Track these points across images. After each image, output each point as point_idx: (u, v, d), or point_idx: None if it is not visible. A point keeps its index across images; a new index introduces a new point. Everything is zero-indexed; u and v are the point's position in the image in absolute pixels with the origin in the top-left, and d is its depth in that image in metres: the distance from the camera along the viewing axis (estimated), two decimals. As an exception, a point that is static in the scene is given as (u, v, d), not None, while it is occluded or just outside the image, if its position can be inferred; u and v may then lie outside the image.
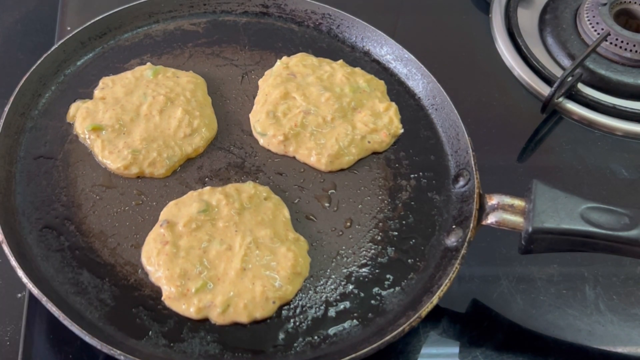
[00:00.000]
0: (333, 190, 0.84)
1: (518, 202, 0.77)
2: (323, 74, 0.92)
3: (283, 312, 0.74)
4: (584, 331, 0.82)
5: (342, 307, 0.75)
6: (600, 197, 0.81)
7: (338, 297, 0.76)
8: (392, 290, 0.77)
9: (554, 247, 0.76)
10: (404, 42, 0.95)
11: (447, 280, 0.74)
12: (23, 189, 0.80)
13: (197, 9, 0.99)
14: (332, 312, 0.75)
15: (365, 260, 0.79)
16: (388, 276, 0.78)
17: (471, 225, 0.77)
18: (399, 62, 0.96)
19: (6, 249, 0.72)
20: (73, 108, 0.86)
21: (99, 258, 0.76)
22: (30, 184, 0.80)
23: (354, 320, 0.74)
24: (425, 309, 0.72)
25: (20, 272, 0.71)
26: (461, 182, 0.84)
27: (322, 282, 0.77)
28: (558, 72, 1.03)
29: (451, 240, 0.80)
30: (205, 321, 0.72)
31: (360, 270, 0.78)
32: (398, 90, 0.94)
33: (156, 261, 0.74)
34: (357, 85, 0.91)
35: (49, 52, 0.89)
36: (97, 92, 0.88)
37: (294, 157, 0.86)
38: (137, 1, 0.96)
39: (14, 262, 0.71)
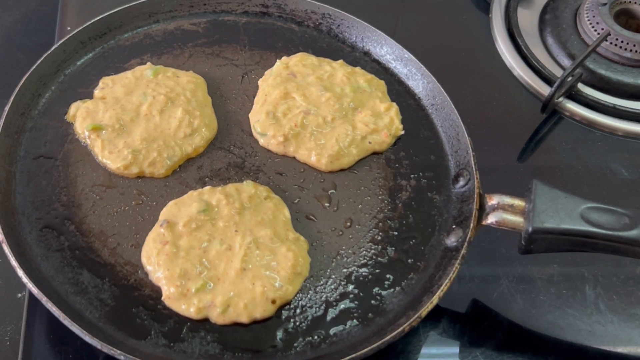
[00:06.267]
0: (333, 190, 0.84)
1: (518, 202, 0.77)
2: (323, 74, 0.92)
3: (283, 312, 0.74)
4: (584, 331, 0.82)
5: (342, 307, 0.75)
6: (600, 197, 0.81)
7: (338, 297, 0.76)
8: (392, 290, 0.77)
9: (554, 247, 0.76)
10: (404, 42, 0.95)
11: (447, 280, 0.74)
12: (23, 188, 0.80)
13: (197, 8, 0.99)
14: (332, 312, 0.75)
15: (365, 260, 0.79)
16: (388, 276, 0.78)
17: (471, 225, 0.77)
18: (399, 62, 0.96)
19: (6, 248, 0.72)
20: (73, 108, 0.86)
21: (99, 258, 0.76)
22: (30, 183, 0.80)
23: (354, 320, 0.74)
24: (425, 309, 0.72)
25: (20, 272, 0.71)
26: (461, 182, 0.84)
27: (322, 282, 0.77)
28: (558, 72, 1.03)
29: (451, 240, 0.80)
30: (205, 321, 0.72)
31: (360, 270, 0.78)
32: (398, 90, 0.94)
33: (156, 261, 0.74)
34: (358, 85, 0.91)
35: (49, 52, 0.89)
36: (97, 92, 0.88)
37: (294, 157, 0.86)
38: (137, 1, 0.96)
39: (14, 262, 0.71)
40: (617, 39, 1.03)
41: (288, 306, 0.74)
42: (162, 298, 0.73)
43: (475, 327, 0.82)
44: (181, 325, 0.72)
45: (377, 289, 0.77)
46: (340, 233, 0.81)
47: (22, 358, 0.75)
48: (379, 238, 0.81)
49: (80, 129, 0.84)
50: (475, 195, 0.79)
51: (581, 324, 0.82)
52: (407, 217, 0.83)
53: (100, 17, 0.93)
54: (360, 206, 0.83)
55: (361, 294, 0.76)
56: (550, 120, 1.02)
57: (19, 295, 0.80)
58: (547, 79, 1.03)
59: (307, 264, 0.77)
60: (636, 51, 1.03)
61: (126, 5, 0.95)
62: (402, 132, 0.89)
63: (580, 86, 1.02)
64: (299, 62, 0.93)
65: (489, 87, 1.05)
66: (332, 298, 0.76)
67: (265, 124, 0.86)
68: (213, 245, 0.75)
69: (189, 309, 0.72)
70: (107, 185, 0.81)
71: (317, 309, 0.75)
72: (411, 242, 0.81)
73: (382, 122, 0.88)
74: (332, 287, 0.77)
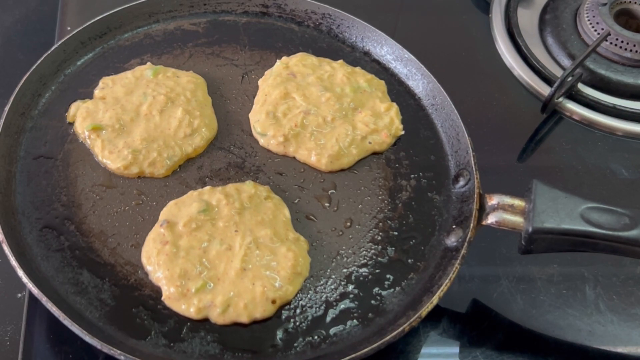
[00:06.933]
0: (333, 190, 0.84)
1: (518, 202, 0.77)
2: (323, 74, 0.92)
3: (283, 312, 0.74)
4: (584, 331, 0.82)
5: (342, 307, 0.75)
6: (600, 197, 0.81)
7: (338, 297, 0.76)
8: (392, 290, 0.77)
9: (554, 247, 0.76)
10: (404, 42, 0.95)
11: (447, 280, 0.74)
12: (23, 188, 0.80)
13: (197, 8, 0.99)
14: (332, 312, 0.75)
15: (365, 260, 0.79)
16: (388, 276, 0.78)
17: (471, 225, 0.77)
18: (399, 62, 0.96)
19: (6, 248, 0.72)
20: (73, 108, 0.86)
21: (99, 258, 0.76)
22: (30, 183, 0.80)
23: (354, 320, 0.74)
24: (425, 309, 0.72)
25: (20, 272, 0.71)
26: (461, 182, 0.84)
27: (322, 282, 0.77)
28: (558, 72, 1.03)
29: (451, 240, 0.80)
30: (205, 321, 0.72)
31: (360, 270, 0.78)
32: (398, 90, 0.94)
33: (156, 261, 0.74)
34: (358, 85, 0.91)
35: (49, 52, 0.89)
36: (97, 92, 0.88)
37: (294, 157, 0.86)
38: (137, 1, 0.96)
39: (14, 262, 0.71)
40: (617, 39, 1.03)
41: (288, 306, 0.74)
42: (162, 298, 0.73)
43: (475, 327, 0.82)
44: (181, 325, 0.72)
45: (377, 289, 0.77)
46: (340, 233, 0.81)
47: (22, 358, 0.75)
48: (379, 238, 0.81)
49: (80, 129, 0.84)
50: (475, 195, 0.79)
51: (581, 324, 0.82)
52: (407, 217, 0.83)
53: (100, 17, 0.93)
54: (360, 206, 0.83)
55: (361, 294, 0.76)
56: (550, 120, 1.02)
57: (19, 295, 0.80)
58: (547, 79, 1.03)
59: (307, 264, 0.77)
60: (636, 51, 1.03)
61: (126, 5, 0.95)
62: (402, 132, 0.89)
63: (580, 86, 1.02)
64: (299, 62, 0.93)
65: (489, 87, 1.05)
66: (332, 298, 0.76)
67: (265, 124, 0.86)
68: (213, 245, 0.75)
69: (189, 309, 0.72)
70: (107, 185, 0.81)
71: (317, 309, 0.75)
72: (411, 242, 0.81)
73: (382, 122, 0.88)
74: (332, 287, 0.77)
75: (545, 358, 0.81)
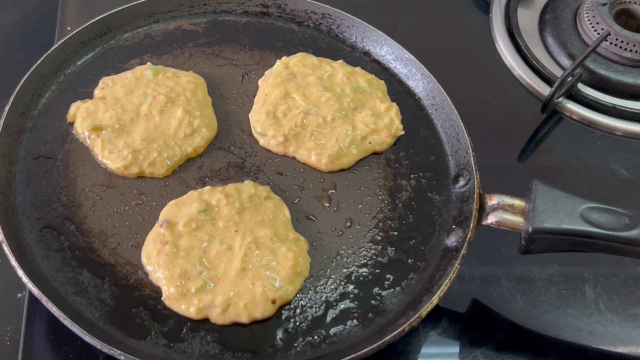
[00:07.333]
0: (333, 190, 0.84)
1: (518, 202, 0.77)
2: (323, 74, 0.92)
3: (283, 312, 0.74)
4: (584, 331, 0.82)
5: (342, 307, 0.75)
6: (600, 197, 0.81)
7: (338, 297, 0.76)
8: (392, 290, 0.77)
9: (554, 247, 0.76)
10: (404, 42, 0.95)
11: (447, 280, 0.74)
12: (23, 188, 0.80)
13: (197, 8, 0.99)
14: (332, 312, 0.75)
15: (365, 260, 0.79)
16: (388, 276, 0.78)
17: (471, 225, 0.77)
18: (399, 62, 0.96)
19: (6, 248, 0.72)
20: (73, 108, 0.86)
21: (99, 258, 0.76)
22: (30, 183, 0.80)
23: (354, 320, 0.74)
24: (425, 309, 0.72)
25: (20, 272, 0.71)
26: (461, 182, 0.84)
27: (322, 282, 0.77)
28: (558, 72, 1.03)
29: (451, 240, 0.80)
30: (205, 321, 0.72)
31: (360, 270, 0.78)
32: (398, 90, 0.94)
33: (156, 261, 0.74)
34: (358, 85, 0.91)
35: (49, 52, 0.89)
36: (97, 92, 0.88)
37: (294, 157, 0.86)
38: (137, 1, 0.96)
39: (14, 262, 0.71)
40: (617, 39, 1.03)
41: (288, 306, 0.74)
42: (162, 298, 0.73)
43: (475, 327, 0.82)
44: (181, 325, 0.72)
45: (377, 289, 0.77)
46: (340, 233, 0.81)
47: (22, 358, 0.75)
48: (379, 238, 0.81)
49: (80, 129, 0.84)
50: (475, 195, 0.79)
51: (581, 324, 0.82)
52: (407, 217, 0.83)
53: (100, 17, 0.93)
54: (360, 206, 0.83)
55: (361, 294, 0.76)
56: (550, 120, 1.02)
57: (19, 295, 0.80)
58: (547, 79, 1.03)
59: (307, 264, 0.77)
60: (636, 51, 1.03)
61: (126, 5, 0.95)
62: (402, 132, 0.89)
63: (580, 86, 1.03)
64: (299, 62, 0.93)
65: (489, 87, 1.05)
66: (332, 298, 0.76)
67: (265, 124, 0.86)
68: (213, 245, 0.75)
69: (189, 309, 0.72)
70: (107, 185, 0.81)
71: (317, 309, 0.75)
72: (411, 242, 0.81)
73: (382, 122, 0.88)
74: (332, 287, 0.77)
75: (545, 358, 0.81)
